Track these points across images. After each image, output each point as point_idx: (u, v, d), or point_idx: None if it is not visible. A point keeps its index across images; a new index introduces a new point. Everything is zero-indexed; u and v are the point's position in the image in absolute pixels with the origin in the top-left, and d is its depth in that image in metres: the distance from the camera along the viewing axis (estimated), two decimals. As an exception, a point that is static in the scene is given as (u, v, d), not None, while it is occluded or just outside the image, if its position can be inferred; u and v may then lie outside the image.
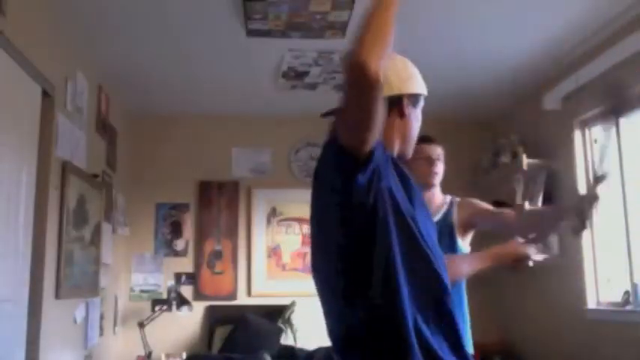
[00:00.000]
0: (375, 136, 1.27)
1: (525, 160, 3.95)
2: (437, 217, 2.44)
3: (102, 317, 3.91)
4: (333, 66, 3.84)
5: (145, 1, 3.00)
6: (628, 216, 3.22)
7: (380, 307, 1.26)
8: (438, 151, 2.59)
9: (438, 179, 2.55)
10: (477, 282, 5.11)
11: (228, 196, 4.82)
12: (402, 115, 1.53)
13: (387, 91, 1.45)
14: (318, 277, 1.41)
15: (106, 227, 3.99)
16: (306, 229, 4.86)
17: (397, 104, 1.52)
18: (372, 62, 1.20)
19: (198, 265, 4.72)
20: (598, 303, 3.47)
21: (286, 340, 4.31)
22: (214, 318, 4.55)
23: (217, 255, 4.74)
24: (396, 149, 1.52)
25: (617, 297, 3.29)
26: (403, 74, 1.59)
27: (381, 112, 1.25)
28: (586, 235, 3.40)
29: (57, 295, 3.03)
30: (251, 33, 3.32)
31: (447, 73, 4.01)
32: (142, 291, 4.64)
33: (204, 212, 4.78)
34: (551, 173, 3.90)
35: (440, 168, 2.56)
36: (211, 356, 4.14)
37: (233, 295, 4.70)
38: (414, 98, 1.58)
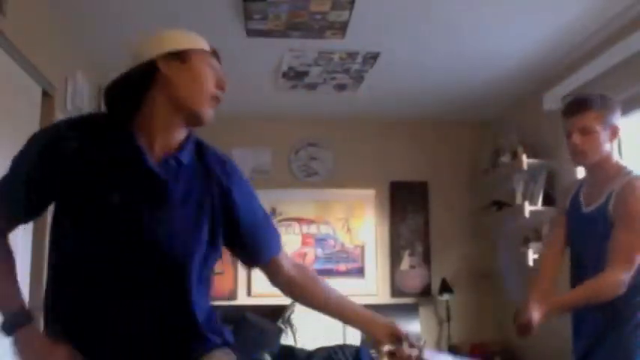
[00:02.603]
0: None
1: (525, 160, 3.95)
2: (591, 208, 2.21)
3: (102, 317, 3.90)
4: (333, 66, 3.84)
5: (145, 2, 3.01)
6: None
7: None
8: (572, 122, 2.19)
9: (581, 156, 2.17)
10: (478, 282, 5.13)
11: (228, 196, 4.81)
12: (167, 79, 1.35)
13: (136, 60, 1.38)
14: None
15: (106, 227, 3.98)
16: (306, 229, 4.87)
17: (155, 70, 1.35)
18: None
19: (198, 265, 4.71)
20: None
21: (286, 340, 4.31)
22: (214, 318, 4.54)
23: (217, 255, 4.74)
24: (163, 121, 1.35)
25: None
26: (148, 38, 1.41)
27: None
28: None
29: (57, 295, 3.02)
30: (251, 33, 3.32)
31: (447, 73, 4.02)
32: (142, 291, 4.64)
33: (204, 212, 4.77)
34: (551, 173, 3.90)
35: (578, 140, 2.16)
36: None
37: (233, 295, 4.70)
38: (176, 56, 1.36)
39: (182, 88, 1.36)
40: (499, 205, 4.41)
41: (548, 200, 3.86)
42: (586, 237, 2.22)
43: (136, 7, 3.05)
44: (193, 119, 1.39)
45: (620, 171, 2.18)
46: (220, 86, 1.42)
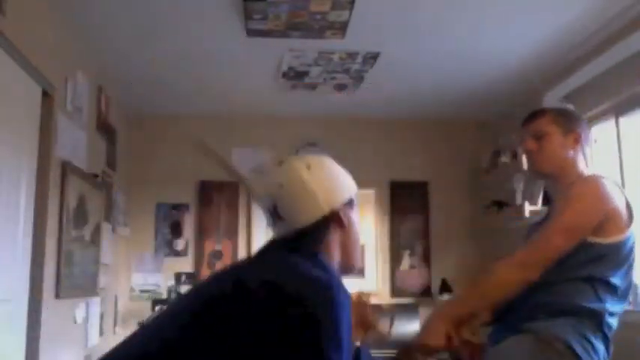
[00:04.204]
0: None
1: (525, 160, 3.95)
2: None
3: (102, 317, 3.91)
4: (333, 66, 3.84)
5: (145, 1, 3.00)
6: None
7: None
8: (526, 129, 1.98)
9: (537, 163, 1.95)
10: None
11: (228, 196, 4.82)
12: (342, 228, 1.35)
13: (318, 213, 1.31)
14: None
15: (106, 227, 3.99)
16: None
17: (333, 219, 1.33)
18: None
19: (198, 265, 4.72)
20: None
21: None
22: (214, 318, 4.54)
23: (217, 255, 4.74)
24: (336, 263, 1.34)
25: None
26: (329, 184, 1.35)
27: None
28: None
29: (57, 295, 3.03)
30: (251, 33, 3.32)
31: (447, 73, 4.02)
32: (142, 291, 4.64)
33: (204, 212, 4.78)
34: (551, 173, 3.89)
35: (531, 144, 1.94)
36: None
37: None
38: (349, 203, 1.37)
39: (351, 235, 1.36)
40: (499, 205, 4.41)
41: (548, 200, 3.86)
42: None
43: (136, 7, 3.04)
44: (349, 270, 1.39)
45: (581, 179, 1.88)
46: None
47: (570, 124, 1.92)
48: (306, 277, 1.16)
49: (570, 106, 2.09)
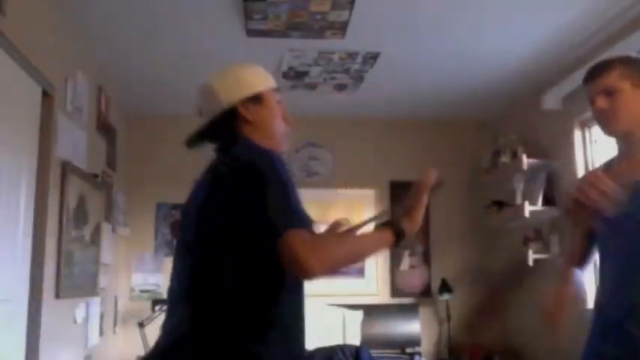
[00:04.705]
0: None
1: (525, 160, 3.95)
2: None
3: (102, 317, 3.91)
4: (333, 66, 3.84)
5: (145, 1, 3.00)
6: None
7: None
8: (594, 85, 1.82)
9: (611, 121, 1.81)
10: (478, 282, 5.12)
11: (228, 196, 4.81)
12: (247, 122, 1.54)
13: (218, 109, 1.53)
14: None
15: (106, 227, 3.99)
16: (306, 229, 4.86)
17: (237, 116, 1.53)
18: (316, 270, 1.24)
19: (198, 265, 4.71)
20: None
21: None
22: (214, 318, 4.53)
23: (217, 255, 4.74)
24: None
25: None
26: (227, 85, 1.57)
27: None
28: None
29: (57, 295, 3.03)
30: (251, 33, 3.32)
31: (447, 73, 4.02)
32: (142, 291, 4.64)
33: (204, 212, 4.77)
34: (551, 173, 3.90)
35: (603, 103, 1.80)
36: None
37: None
38: (253, 99, 1.55)
39: (261, 129, 1.54)
40: (499, 205, 4.41)
41: (548, 200, 3.86)
42: (631, 237, 1.74)
43: (136, 7, 3.05)
44: (277, 148, 1.55)
45: None
46: (288, 122, 1.61)
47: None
48: (254, 150, 1.43)
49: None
